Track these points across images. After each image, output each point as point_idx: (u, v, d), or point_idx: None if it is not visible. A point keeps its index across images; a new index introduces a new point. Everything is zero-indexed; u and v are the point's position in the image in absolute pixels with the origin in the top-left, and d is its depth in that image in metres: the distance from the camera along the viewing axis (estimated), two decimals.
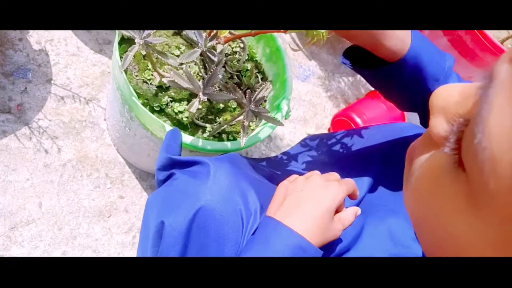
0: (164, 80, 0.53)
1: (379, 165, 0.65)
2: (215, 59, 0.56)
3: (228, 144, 0.64)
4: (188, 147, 0.62)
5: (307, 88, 1.26)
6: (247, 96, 0.54)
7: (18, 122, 0.81)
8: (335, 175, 0.53)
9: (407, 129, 0.67)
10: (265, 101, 0.67)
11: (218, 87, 0.65)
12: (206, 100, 0.51)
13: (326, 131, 1.24)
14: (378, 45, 0.50)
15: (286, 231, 0.45)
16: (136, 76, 0.69)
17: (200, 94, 0.52)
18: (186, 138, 0.60)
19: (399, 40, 0.50)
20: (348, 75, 1.37)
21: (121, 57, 0.61)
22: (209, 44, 0.57)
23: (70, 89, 0.88)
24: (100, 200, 0.84)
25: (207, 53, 0.57)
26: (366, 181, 0.64)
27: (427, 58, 0.52)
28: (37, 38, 0.89)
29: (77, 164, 0.84)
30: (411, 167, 0.27)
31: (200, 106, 0.62)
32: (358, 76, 1.40)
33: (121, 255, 0.82)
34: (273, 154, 1.10)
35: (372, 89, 1.37)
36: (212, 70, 0.51)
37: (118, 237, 0.83)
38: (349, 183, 0.52)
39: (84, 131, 0.87)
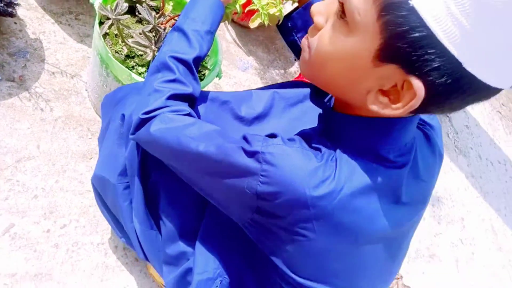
0: (129, 42, 0.85)
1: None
2: (161, 30, 0.89)
3: None
4: None
5: (246, 76, 1.60)
6: None
7: (20, 88, 1.10)
8: None
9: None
10: None
11: None
12: (156, 50, 0.84)
13: None
14: None
15: None
16: (111, 47, 1.01)
17: (153, 46, 0.84)
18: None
19: None
20: (280, 69, 1.73)
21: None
22: (158, 21, 0.90)
23: (59, 67, 1.18)
24: (84, 146, 1.12)
25: (156, 27, 0.90)
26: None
27: None
28: (33, 29, 1.19)
29: (65, 120, 1.13)
30: (308, 50, 0.53)
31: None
32: (289, 69, 1.77)
33: None
34: None
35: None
36: (159, 34, 0.84)
37: None
38: None
39: (70, 97, 1.16)
